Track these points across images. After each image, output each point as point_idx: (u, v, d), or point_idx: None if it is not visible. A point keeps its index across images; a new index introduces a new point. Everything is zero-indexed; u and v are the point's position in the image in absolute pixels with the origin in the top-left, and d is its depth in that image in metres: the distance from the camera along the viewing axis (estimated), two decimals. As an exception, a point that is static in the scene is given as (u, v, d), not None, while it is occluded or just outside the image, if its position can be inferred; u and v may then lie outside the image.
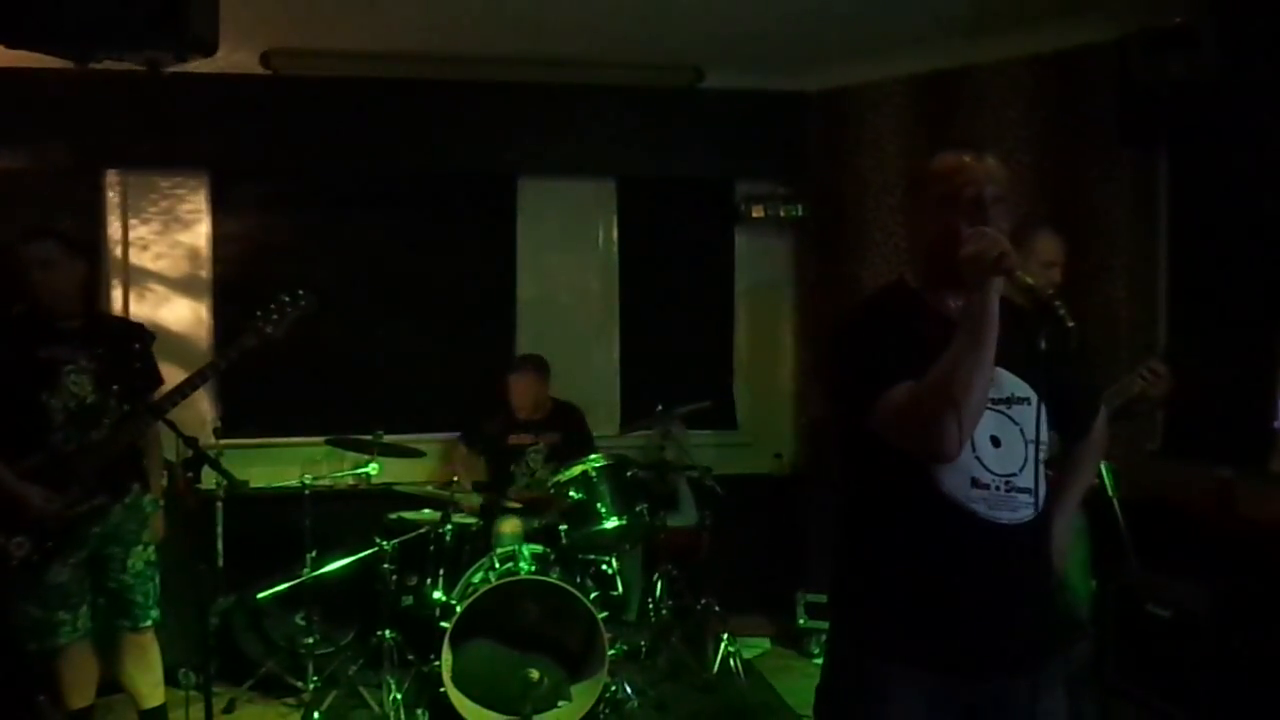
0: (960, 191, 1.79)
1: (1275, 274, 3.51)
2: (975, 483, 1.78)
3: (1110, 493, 2.97)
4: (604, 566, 4.18)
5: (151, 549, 3.39)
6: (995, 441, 1.80)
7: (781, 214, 5.14)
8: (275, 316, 3.25)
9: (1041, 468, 1.84)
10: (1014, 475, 1.80)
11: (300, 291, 3.30)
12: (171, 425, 3.12)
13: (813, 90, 5.05)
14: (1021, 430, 1.82)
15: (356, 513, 4.31)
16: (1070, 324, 1.64)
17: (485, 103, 4.87)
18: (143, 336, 3.49)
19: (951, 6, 4.06)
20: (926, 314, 1.86)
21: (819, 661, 4.62)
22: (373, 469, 4.13)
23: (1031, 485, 1.82)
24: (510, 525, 4.22)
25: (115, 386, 3.27)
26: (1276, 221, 3.49)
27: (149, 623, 3.39)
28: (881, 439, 1.77)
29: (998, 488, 1.79)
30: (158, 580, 3.41)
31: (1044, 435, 1.81)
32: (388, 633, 3.89)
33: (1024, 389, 1.84)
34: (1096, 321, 4.05)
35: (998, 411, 1.81)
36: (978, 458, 1.79)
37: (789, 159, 5.12)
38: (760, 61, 4.82)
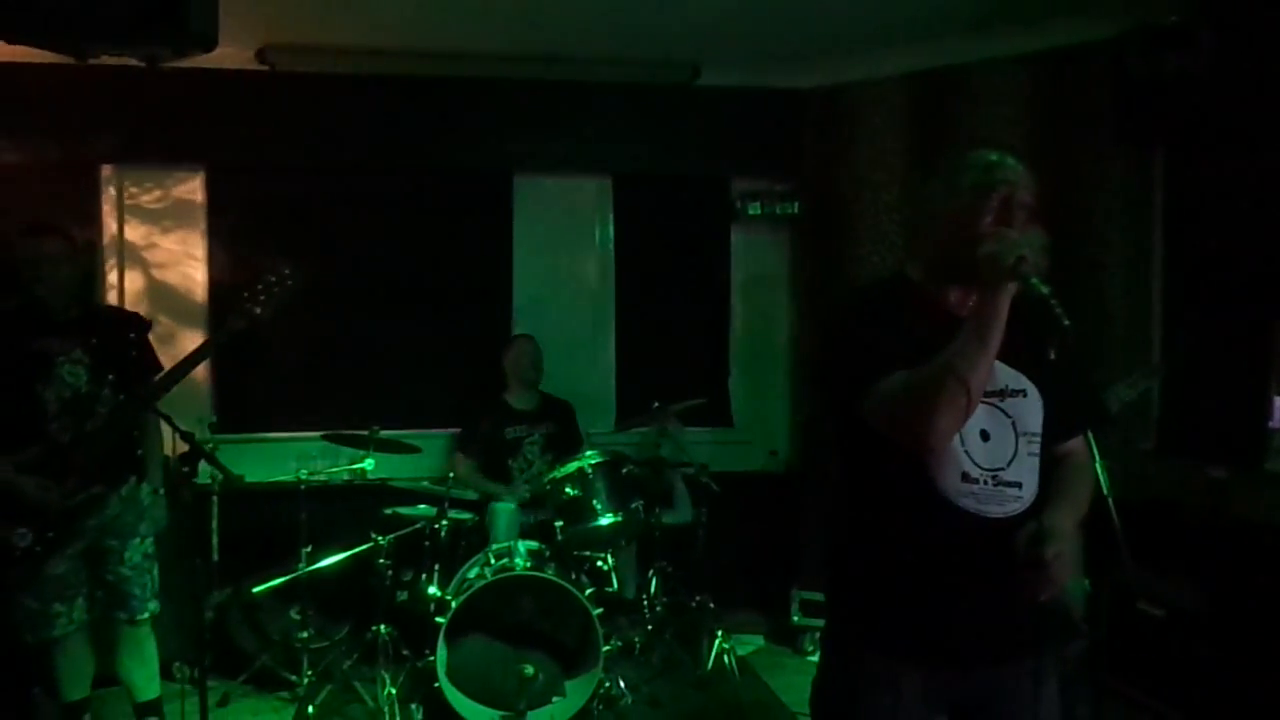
0: (993, 187, 1.78)
1: (1270, 273, 3.52)
2: (965, 477, 1.79)
3: (1104, 491, 2.98)
4: (599, 563, 4.18)
5: (150, 541, 3.40)
6: (984, 435, 1.81)
7: (777, 211, 5.14)
8: (262, 297, 3.23)
9: (1034, 460, 1.85)
10: (1001, 470, 1.81)
11: (286, 271, 3.27)
12: (168, 420, 3.13)
13: (809, 88, 5.05)
14: (1014, 423, 1.83)
15: (352, 508, 4.31)
16: (1066, 322, 1.65)
17: (482, 99, 4.86)
18: (139, 326, 3.49)
19: (948, 4, 4.07)
20: (924, 307, 1.85)
21: (813, 659, 4.65)
22: (368, 464, 4.13)
23: (1021, 479, 1.82)
24: (506, 507, 4.21)
25: (110, 376, 3.28)
26: (1272, 220, 3.50)
27: (146, 615, 3.39)
28: (873, 431, 1.77)
29: (985, 482, 1.80)
30: (155, 573, 3.42)
31: (1037, 428, 1.81)
32: (383, 628, 3.89)
33: (1020, 381, 1.84)
34: (1090, 319, 4.06)
35: (989, 404, 1.81)
36: (967, 452, 1.79)
37: (785, 156, 5.13)
38: (757, 59, 4.83)
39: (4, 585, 3.19)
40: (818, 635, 4.56)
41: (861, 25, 4.35)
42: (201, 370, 4.11)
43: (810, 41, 4.59)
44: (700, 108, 5.04)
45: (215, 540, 4.12)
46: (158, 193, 4.78)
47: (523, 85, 4.88)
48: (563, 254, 5.18)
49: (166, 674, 3.66)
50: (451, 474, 4.20)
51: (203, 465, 3.17)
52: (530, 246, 5.12)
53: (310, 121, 4.74)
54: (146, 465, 3.41)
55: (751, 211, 5.16)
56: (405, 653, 3.97)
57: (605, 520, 3.96)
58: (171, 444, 3.43)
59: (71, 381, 3.22)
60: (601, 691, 3.76)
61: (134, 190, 4.75)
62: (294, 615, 4.02)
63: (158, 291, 4.76)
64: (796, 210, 5.13)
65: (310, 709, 3.78)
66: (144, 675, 3.48)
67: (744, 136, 5.07)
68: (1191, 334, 3.92)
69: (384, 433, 4.12)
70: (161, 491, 3.47)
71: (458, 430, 4.75)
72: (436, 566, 3.96)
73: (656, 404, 4.43)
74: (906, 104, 4.76)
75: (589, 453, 4.11)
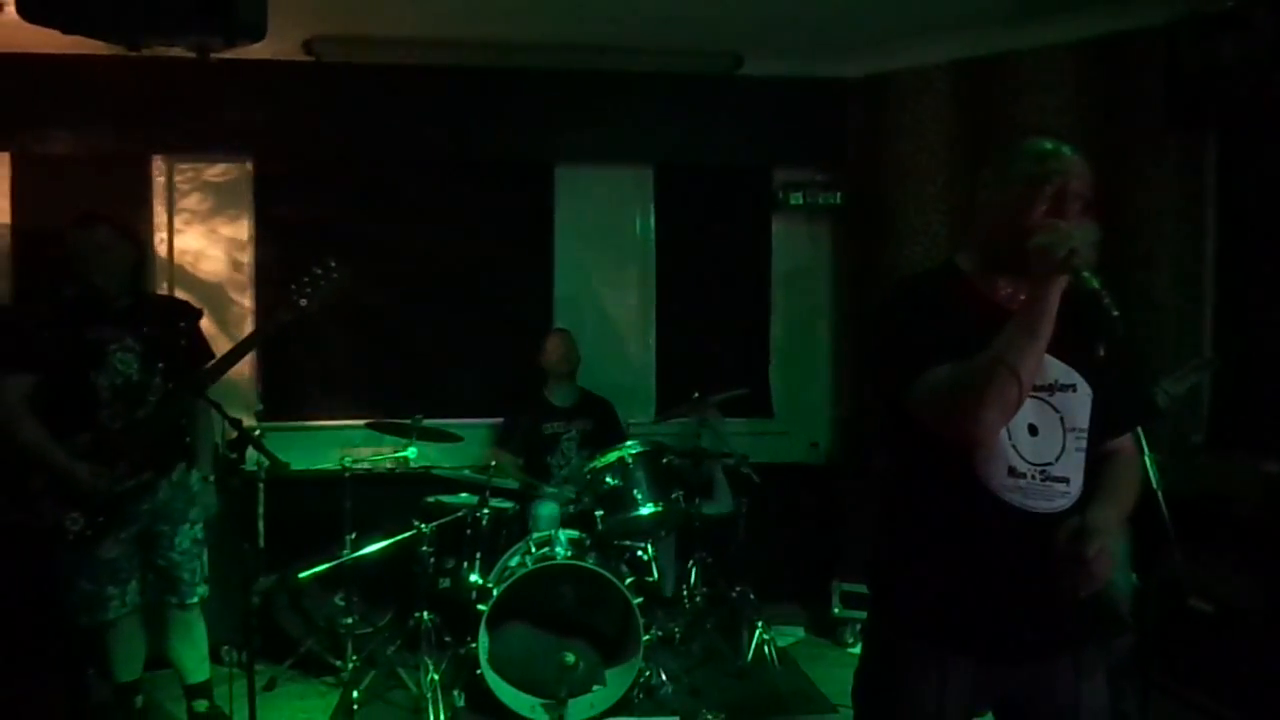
0: (1047, 178, 1.76)
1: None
2: (1012, 471, 1.77)
3: (1154, 485, 2.93)
4: (639, 552, 4.19)
5: (199, 527, 3.46)
6: (1033, 430, 1.78)
7: (820, 201, 5.12)
8: (309, 290, 3.27)
9: (1081, 456, 1.82)
10: (1050, 464, 1.78)
11: (332, 264, 3.30)
12: (217, 407, 3.18)
13: (852, 77, 5.01)
14: (1062, 418, 1.80)
15: (395, 496, 4.35)
16: (1115, 313, 1.62)
17: (524, 90, 4.88)
18: (189, 314, 3.55)
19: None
20: (973, 299, 1.84)
21: (854, 651, 4.61)
22: (411, 453, 4.17)
23: (1068, 474, 1.80)
24: (548, 509, 4.24)
25: (161, 364, 3.33)
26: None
27: (195, 599, 3.46)
28: (920, 423, 1.76)
29: (1033, 477, 1.78)
30: (205, 558, 3.48)
31: (1085, 423, 1.78)
32: (425, 614, 3.93)
33: (1070, 375, 1.81)
34: (1141, 310, 3.99)
35: (1038, 398, 1.79)
36: (1014, 446, 1.77)
37: (827, 146, 5.09)
38: (799, 48, 4.79)
39: (58, 569, 3.27)
40: (859, 627, 4.57)
41: (906, 13, 4.30)
42: (248, 359, 4.17)
43: (854, 30, 4.54)
44: (742, 97, 5.01)
45: (262, 526, 4.18)
46: (206, 183, 4.86)
47: (565, 75, 4.89)
48: (604, 244, 5.19)
49: (215, 657, 3.73)
50: (493, 463, 4.23)
51: (250, 452, 3.23)
52: (572, 236, 5.14)
53: (356, 112, 4.79)
54: (196, 452, 3.47)
55: (794, 202, 5.13)
56: (448, 639, 4.01)
57: (646, 510, 3.98)
58: (220, 431, 3.49)
59: (123, 369, 3.28)
60: (642, 680, 3.77)
61: (183, 181, 4.83)
62: (338, 601, 4.08)
63: (205, 281, 4.84)
64: (839, 200, 5.10)
65: (354, 694, 3.83)
66: (194, 658, 3.55)
67: (786, 126, 5.04)
68: (1245, 326, 3.84)
69: (427, 422, 4.16)
70: (211, 478, 3.54)
71: (499, 422, 4.78)
72: (478, 554, 4.00)
73: (697, 394, 4.42)
74: (952, 93, 4.70)
75: (629, 443, 4.13)
